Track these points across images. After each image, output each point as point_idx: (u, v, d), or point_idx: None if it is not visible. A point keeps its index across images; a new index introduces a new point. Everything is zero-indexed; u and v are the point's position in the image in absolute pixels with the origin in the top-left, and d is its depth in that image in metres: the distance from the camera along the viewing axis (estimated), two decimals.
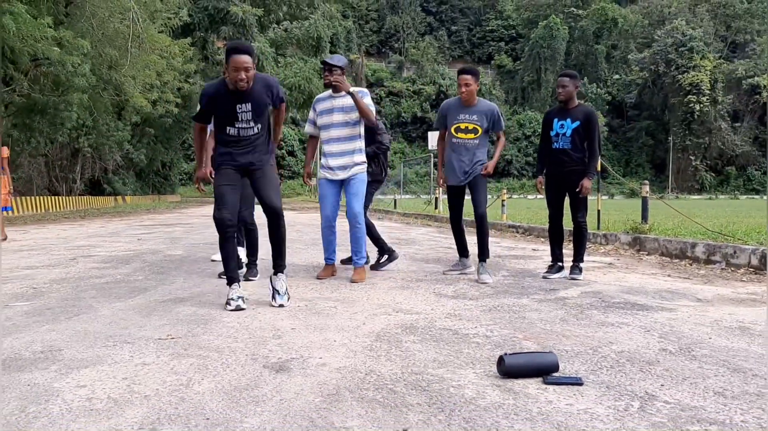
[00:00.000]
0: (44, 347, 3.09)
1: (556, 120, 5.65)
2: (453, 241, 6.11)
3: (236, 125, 4.26)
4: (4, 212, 9.99)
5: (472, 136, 5.57)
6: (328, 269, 5.69)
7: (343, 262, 6.29)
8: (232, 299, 4.12)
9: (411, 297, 4.59)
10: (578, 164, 5.53)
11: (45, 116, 21.07)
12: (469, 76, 5.52)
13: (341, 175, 5.46)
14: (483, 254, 5.57)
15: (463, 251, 5.95)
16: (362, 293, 4.75)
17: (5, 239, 9.68)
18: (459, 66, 5.62)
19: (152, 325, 3.60)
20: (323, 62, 5.42)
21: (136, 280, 5.43)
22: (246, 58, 4.02)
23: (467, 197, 5.83)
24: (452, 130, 5.63)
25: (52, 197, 26.60)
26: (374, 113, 5.50)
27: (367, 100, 5.40)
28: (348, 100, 5.37)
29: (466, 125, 5.57)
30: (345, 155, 5.43)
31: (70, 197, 28.98)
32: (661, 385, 2.52)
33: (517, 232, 11.52)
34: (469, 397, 2.36)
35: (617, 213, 15.02)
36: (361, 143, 5.52)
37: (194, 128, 4.47)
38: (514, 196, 54.63)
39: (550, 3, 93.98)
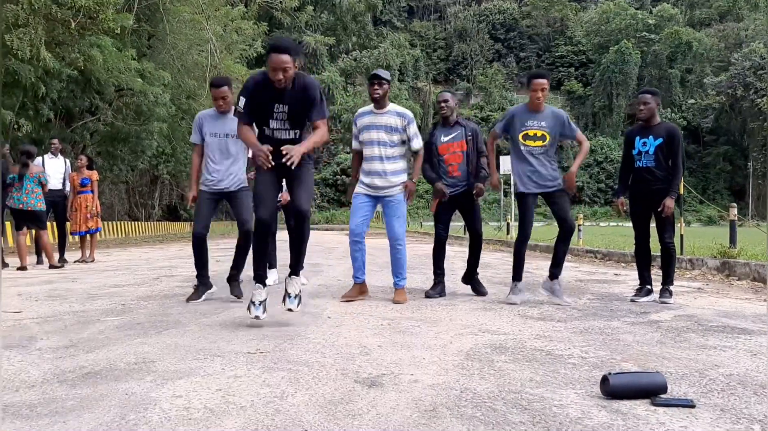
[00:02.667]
0: (137, 359, 3.13)
1: (638, 138, 5.46)
2: (529, 264, 5.88)
3: (270, 125, 4.15)
4: (97, 233, 10.37)
5: (540, 143, 5.33)
6: (356, 288, 5.48)
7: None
8: (254, 304, 4.05)
9: (495, 318, 4.47)
10: (663, 183, 5.29)
11: (127, 144, 21.95)
12: (545, 81, 5.39)
13: (374, 192, 5.35)
14: (557, 271, 5.35)
15: (520, 274, 5.45)
16: (444, 314, 4.66)
17: (93, 260, 10.04)
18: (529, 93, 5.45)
19: (239, 340, 3.61)
20: (372, 75, 5.31)
21: (218, 298, 5.49)
22: (285, 58, 3.83)
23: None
24: (520, 137, 5.36)
25: (132, 223, 27.58)
26: (417, 141, 5.39)
27: (413, 128, 5.34)
28: (391, 119, 5.27)
29: (535, 131, 5.34)
30: (382, 175, 5.31)
31: (149, 223, 29.98)
32: None
33: (596, 257, 11.20)
34: (574, 417, 2.24)
35: (699, 239, 14.43)
36: (402, 164, 5.38)
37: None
38: (586, 223, 53.50)
39: (621, 28, 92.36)
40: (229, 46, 25.70)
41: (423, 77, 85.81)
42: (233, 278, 5.54)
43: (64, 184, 9.97)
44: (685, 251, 9.14)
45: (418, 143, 5.39)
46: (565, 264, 10.07)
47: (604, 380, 2.49)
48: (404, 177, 5.39)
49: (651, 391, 2.45)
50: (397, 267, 5.41)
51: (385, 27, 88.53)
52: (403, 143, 5.37)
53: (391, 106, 5.33)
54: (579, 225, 13.13)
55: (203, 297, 5.36)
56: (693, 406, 2.36)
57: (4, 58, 13.50)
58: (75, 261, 10.00)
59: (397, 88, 55.76)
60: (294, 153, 3.81)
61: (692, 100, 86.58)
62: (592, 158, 79.99)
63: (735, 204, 9.35)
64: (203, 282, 5.45)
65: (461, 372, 2.88)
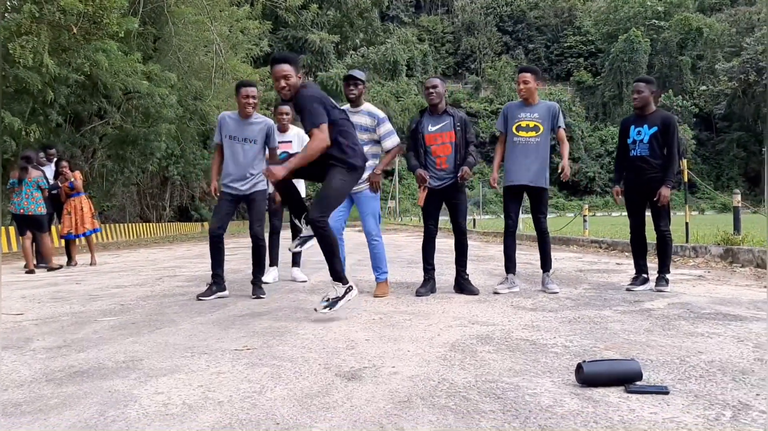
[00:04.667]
0: (126, 357, 3.18)
1: (632, 127, 5.46)
2: (531, 256, 5.93)
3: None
4: (94, 234, 10.44)
5: (533, 134, 5.38)
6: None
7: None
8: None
9: (488, 310, 4.49)
10: (658, 171, 5.30)
11: (136, 146, 22.08)
12: (528, 74, 5.42)
13: None
14: (546, 265, 5.56)
15: (513, 266, 5.59)
16: (438, 307, 4.69)
17: (94, 263, 10.12)
18: (538, 84, 5.45)
19: (230, 337, 3.65)
20: (347, 75, 5.33)
21: (217, 297, 5.54)
22: (284, 67, 4.08)
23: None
24: (513, 129, 5.44)
25: (144, 224, 27.78)
26: (393, 139, 5.40)
27: (383, 128, 5.35)
28: (363, 119, 5.29)
29: (527, 122, 5.39)
30: None
31: (160, 224, 30.18)
32: (757, 394, 2.35)
33: (600, 247, 11.17)
34: (545, 405, 2.26)
35: (708, 227, 14.34)
36: (374, 163, 5.38)
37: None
38: (598, 214, 53.23)
39: (630, 16, 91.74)
40: (235, 46, 25.79)
41: (432, 72, 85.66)
42: (254, 281, 5.55)
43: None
44: (690, 239, 9.10)
45: (390, 143, 5.39)
46: (569, 255, 10.13)
47: (579, 368, 2.51)
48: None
49: (626, 378, 2.47)
50: (376, 261, 5.45)
51: (392, 23, 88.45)
52: (377, 142, 5.38)
53: (365, 106, 5.36)
54: (584, 216, 13.08)
55: (213, 297, 5.39)
56: (667, 393, 2.38)
57: (10, 65, 13.63)
58: (83, 264, 10.12)
59: (405, 84, 55.69)
60: (269, 173, 4.01)
61: (704, 87, 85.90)
62: (603, 149, 79.68)
63: (738, 191, 9.29)
64: (217, 282, 5.47)
65: (442, 363, 2.91)
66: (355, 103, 5.34)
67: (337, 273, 4.30)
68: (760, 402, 2.27)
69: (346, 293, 4.26)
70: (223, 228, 5.42)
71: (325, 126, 4.06)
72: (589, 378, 2.46)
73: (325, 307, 4.21)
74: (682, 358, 2.93)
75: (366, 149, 5.24)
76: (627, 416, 2.14)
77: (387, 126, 5.36)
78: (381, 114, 5.38)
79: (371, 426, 2.08)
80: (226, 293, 5.50)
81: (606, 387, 2.45)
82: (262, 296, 5.37)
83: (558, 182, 78.57)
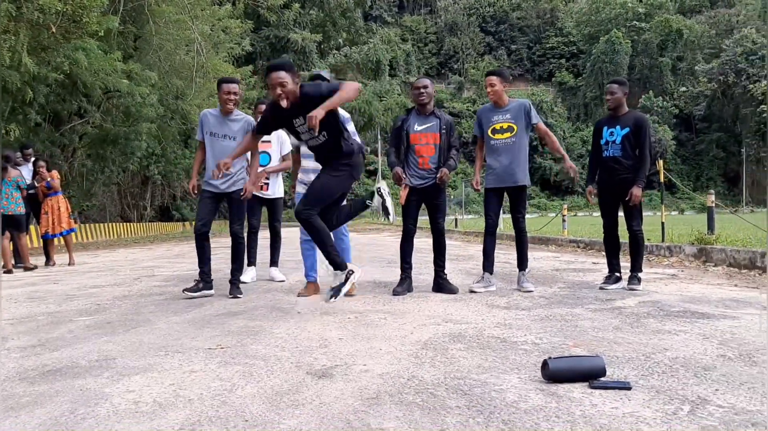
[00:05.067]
0: (100, 356, 3.20)
1: (606, 128, 5.55)
2: (510, 256, 6.00)
3: (302, 138, 4.52)
4: (72, 234, 10.37)
5: (508, 135, 5.46)
6: (310, 287, 5.54)
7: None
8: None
9: (462, 308, 4.54)
10: (630, 172, 5.39)
11: (117, 145, 21.90)
12: (494, 77, 5.52)
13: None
14: (523, 264, 5.63)
15: (490, 265, 5.66)
16: (414, 306, 4.74)
17: (73, 263, 10.05)
18: (520, 85, 5.57)
19: (204, 336, 3.67)
20: (315, 75, 5.37)
21: (201, 295, 5.54)
22: (281, 74, 4.15)
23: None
24: (489, 132, 5.53)
25: (124, 224, 27.60)
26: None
27: (351, 126, 5.39)
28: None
29: (501, 124, 5.49)
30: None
31: (141, 224, 30.00)
32: (716, 390, 2.42)
33: (578, 246, 11.29)
34: (510, 401, 2.31)
35: (685, 227, 14.53)
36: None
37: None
38: (579, 214, 53.54)
39: (611, 18, 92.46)
40: (216, 45, 25.67)
41: (415, 72, 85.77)
42: (231, 279, 5.55)
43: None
44: (666, 239, 9.23)
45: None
46: (548, 254, 10.23)
47: (545, 365, 2.56)
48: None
49: (590, 374, 2.53)
50: (343, 254, 5.45)
51: (375, 22, 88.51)
52: None
53: None
54: (563, 216, 13.20)
55: (198, 294, 5.40)
56: (629, 388, 2.44)
57: None
58: (63, 264, 10.05)
59: (388, 84, 55.70)
60: (313, 116, 3.93)
61: (684, 88, 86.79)
62: (584, 149, 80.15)
63: (713, 191, 9.43)
64: (204, 279, 5.50)
65: (413, 361, 2.95)
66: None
67: (335, 261, 4.37)
68: (719, 397, 2.33)
69: (347, 278, 4.32)
70: (207, 226, 5.44)
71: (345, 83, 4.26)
72: (554, 374, 2.52)
73: (331, 297, 4.28)
74: (647, 355, 2.99)
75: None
76: (588, 411, 2.19)
77: (351, 126, 5.42)
78: (347, 114, 5.45)
79: (338, 422, 2.11)
80: (211, 292, 5.52)
81: (571, 383, 2.51)
82: (239, 295, 5.38)
83: (540, 182, 79.27)
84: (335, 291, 4.28)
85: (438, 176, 5.32)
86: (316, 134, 4.25)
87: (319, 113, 3.93)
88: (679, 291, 5.30)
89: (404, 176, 5.31)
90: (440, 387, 2.49)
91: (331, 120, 4.26)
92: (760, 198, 72.51)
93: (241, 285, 5.66)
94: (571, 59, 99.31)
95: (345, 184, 4.55)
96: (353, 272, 4.36)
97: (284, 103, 4.17)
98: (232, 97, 5.35)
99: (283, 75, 4.13)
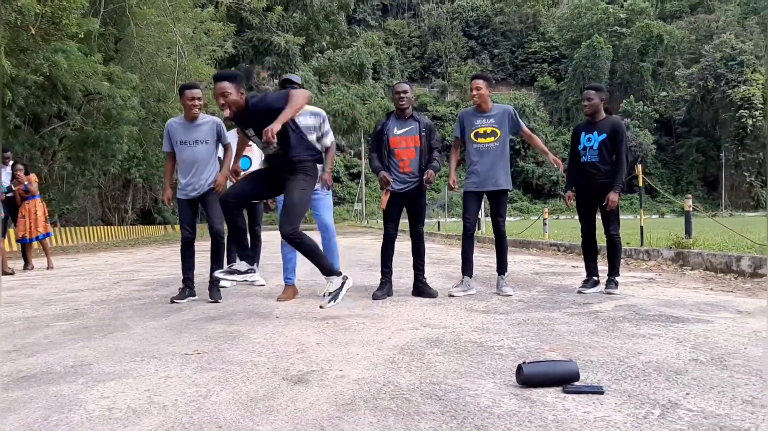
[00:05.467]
0: (75, 362, 3.18)
1: (583, 134, 5.61)
2: (491, 259, 6.02)
3: (260, 146, 4.58)
4: (48, 238, 10.29)
5: (491, 139, 5.52)
6: (288, 290, 5.56)
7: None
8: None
9: (441, 313, 4.56)
10: (607, 177, 5.45)
11: (97, 148, 21.70)
12: (480, 81, 5.57)
13: None
14: (502, 267, 5.66)
15: (470, 268, 5.70)
16: (392, 310, 4.75)
17: (51, 267, 9.96)
18: (503, 89, 5.64)
19: (181, 342, 3.66)
20: (285, 79, 5.51)
21: (189, 300, 5.51)
22: (224, 85, 4.18)
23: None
24: (472, 136, 5.57)
25: (105, 227, 27.35)
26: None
27: (327, 126, 5.63)
28: (308, 120, 5.47)
29: (484, 128, 5.54)
30: None
31: (122, 227, 29.75)
32: (687, 394, 2.45)
33: (559, 250, 11.37)
34: (484, 405, 2.33)
35: (665, 231, 14.67)
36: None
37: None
38: (562, 217, 53.83)
39: (593, 23, 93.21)
40: (198, 48, 25.58)
41: (398, 75, 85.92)
42: (211, 280, 5.52)
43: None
44: (644, 243, 9.32)
45: (329, 140, 5.62)
46: (528, 257, 10.29)
47: (519, 369, 2.59)
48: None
49: (564, 379, 2.55)
50: (331, 255, 5.50)
51: (358, 26, 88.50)
52: (318, 140, 5.52)
53: (306, 108, 5.36)
54: (544, 219, 13.28)
55: (186, 300, 5.40)
56: (602, 392, 2.47)
57: None
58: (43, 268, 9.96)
59: (372, 87, 55.73)
60: (268, 130, 3.94)
61: (664, 93, 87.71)
62: (566, 153, 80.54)
63: (690, 195, 9.55)
64: (189, 286, 5.51)
65: (389, 366, 2.97)
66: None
67: (328, 269, 4.42)
68: (689, 400, 2.37)
69: (343, 283, 4.37)
70: (193, 233, 5.49)
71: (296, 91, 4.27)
72: (528, 378, 2.54)
73: (330, 301, 4.30)
74: (621, 359, 3.03)
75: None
76: (561, 415, 2.22)
77: (327, 124, 5.59)
78: (323, 113, 5.56)
79: (312, 428, 2.12)
80: (195, 298, 5.51)
81: (545, 387, 2.53)
82: (218, 300, 5.36)
83: (522, 185, 79.64)
84: (333, 296, 4.31)
85: (424, 177, 5.35)
86: (273, 146, 4.28)
87: (275, 127, 3.97)
88: (656, 295, 5.36)
89: (391, 179, 5.35)
90: (415, 393, 2.51)
91: (286, 131, 4.30)
92: (739, 202, 73.43)
93: (220, 289, 5.64)
94: (553, 64, 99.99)
95: (311, 191, 4.62)
96: (347, 278, 4.43)
97: (227, 113, 4.21)
98: (197, 102, 5.36)
99: (226, 86, 4.17)
